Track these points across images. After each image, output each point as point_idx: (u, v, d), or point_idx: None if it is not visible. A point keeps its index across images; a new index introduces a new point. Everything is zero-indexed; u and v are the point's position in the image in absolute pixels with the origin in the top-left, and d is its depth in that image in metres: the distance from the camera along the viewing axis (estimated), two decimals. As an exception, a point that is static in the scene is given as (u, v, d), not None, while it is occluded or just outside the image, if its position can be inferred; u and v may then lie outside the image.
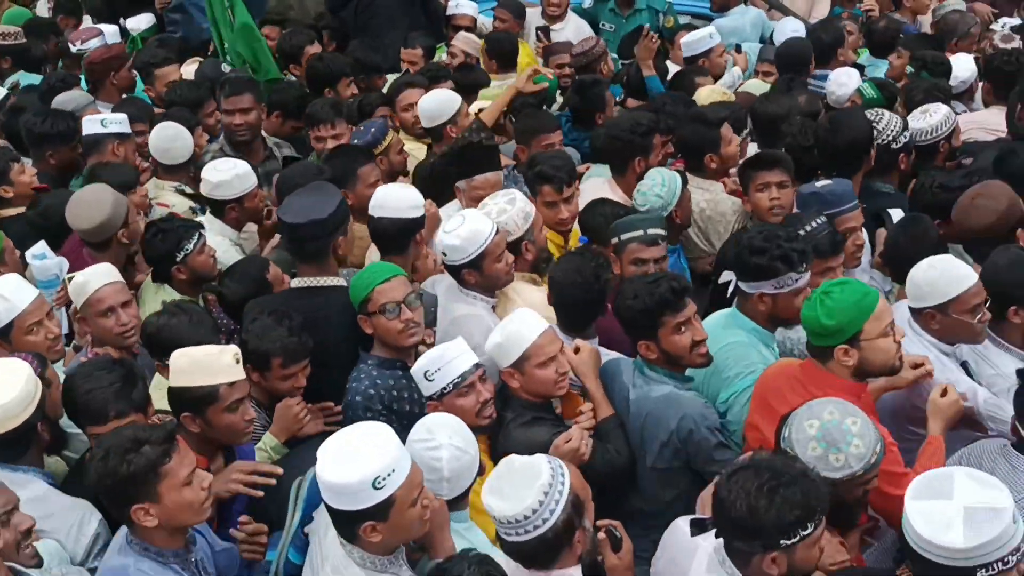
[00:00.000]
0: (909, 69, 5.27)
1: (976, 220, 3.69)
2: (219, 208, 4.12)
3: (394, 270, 3.27)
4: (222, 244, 3.97)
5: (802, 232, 3.39)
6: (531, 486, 2.35)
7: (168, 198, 4.38)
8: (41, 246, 3.73)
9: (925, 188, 3.91)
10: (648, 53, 5.47)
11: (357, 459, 2.31)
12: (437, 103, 4.61)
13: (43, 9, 7.77)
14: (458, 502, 2.62)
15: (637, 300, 3.02)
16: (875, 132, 4.17)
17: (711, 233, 4.26)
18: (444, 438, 2.57)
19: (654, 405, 3.03)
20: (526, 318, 3.05)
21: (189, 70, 5.61)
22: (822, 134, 4.27)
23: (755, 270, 3.17)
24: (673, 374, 3.07)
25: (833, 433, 2.47)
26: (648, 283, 3.05)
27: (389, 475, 2.29)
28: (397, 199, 3.62)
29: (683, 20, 6.31)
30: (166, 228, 3.73)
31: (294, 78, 5.63)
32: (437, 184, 4.16)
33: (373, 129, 4.44)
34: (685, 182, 4.04)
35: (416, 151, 4.79)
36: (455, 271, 3.44)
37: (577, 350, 3.15)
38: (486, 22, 6.38)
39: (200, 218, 4.10)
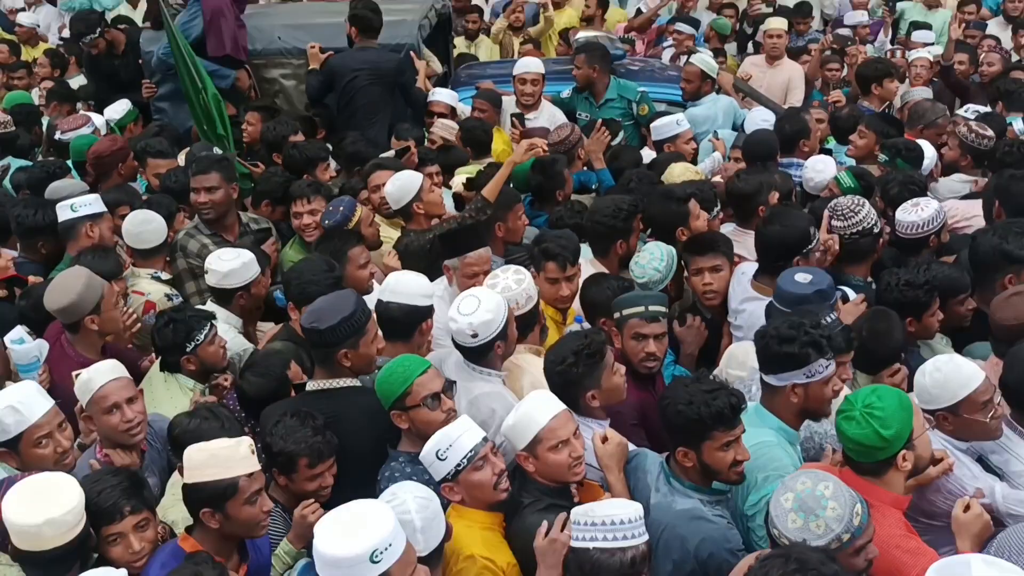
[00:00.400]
0: (882, 157, 5.34)
1: (1012, 316, 3.61)
2: (225, 297, 4.17)
3: (425, 362, 3.27)
4: (228, 333, 4.00)
5: None
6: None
7: (143, 285, 4.39)
8: (19, 331, 3.73)
9: (891, 286, 3.83)
10: (599, 146, 5.64)
11: (356, 533, 2.35)
12: (399, 185, 4.73)
13: (35, 95, 7.84)
14: (434, 564, 2.64)
15: (691, 407, 2.88)
16: (854, 221, 4.22)
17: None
18: (407, 494, 2.66)
19: (675, 519, 2.91)
20: (540, 400, 3.03)
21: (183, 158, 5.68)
22: (760, 225, 4.29)
23: (785, 360, 3.08)
24: (701, 488, 2.97)
25: (807, 501, 2.49)
26: (706, 392, 2.90)
27: (387, 549, 2.33)
28: (409, 286, 3.68)
29: (660, 107, 6.40)
30: (177, 318, 3.73)
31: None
32: (434, 262, 4.26)
33: (342, 207, 4.56)
34: None
35: (390, 233, 4.91)
36: (484, 348, 3.43)
37: (605, 439, 3.10)
38: (464, 110, 6.49)
39: (208, 306, 4.15)
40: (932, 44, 8.38)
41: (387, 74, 6.23)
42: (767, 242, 4.16)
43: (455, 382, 3.46)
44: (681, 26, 8.43)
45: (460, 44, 9.43)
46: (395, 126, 6.09)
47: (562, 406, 3.04)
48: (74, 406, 3.41)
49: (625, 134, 6.37)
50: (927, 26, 8.90)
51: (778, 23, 8.07)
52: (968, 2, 9.20)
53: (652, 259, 4.16)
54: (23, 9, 10.44)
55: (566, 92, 6.63)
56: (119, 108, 6.40)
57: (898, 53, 8.47)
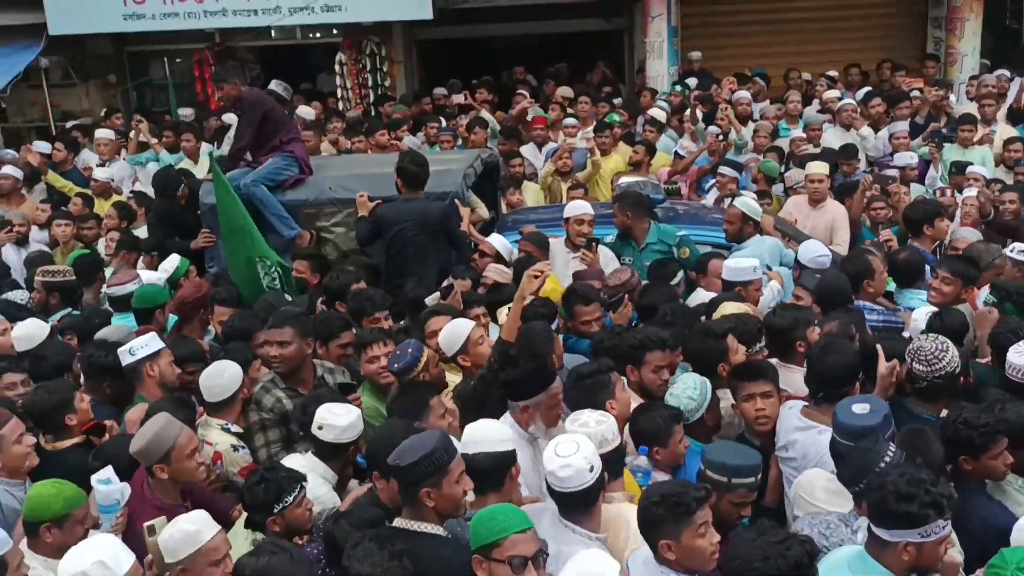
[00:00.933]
0: (989, 298, 5.22)
1: None
2: (337, 452, 4.09)
3: (528, 521, 3.13)
4: (321, 488, 3.96)
5: (883, 464, 3.33)
6: None
7: (212, 435, 4.46)
8: (107, 471, 3.77)
9: (949, 422, 3.75)
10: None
11: None
12: (448, 334, 4.79)
13: (102, 245, 8.24)
14: None
15: (768, 563, 2.80)
16: (939, 364, 4.13)
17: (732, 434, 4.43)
18: None
19: None
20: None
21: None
22: (813, 355, 4.28)
23: (903, 518, 2.98)
24: None
25: None
26: (777, 544, 2.84)
27: None
28: (488, 433, 3.62)
29: (703, 250, 6.44)
30: (269, 477, 3.71)
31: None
32: (480, 406, 4.25)
33: (410, 350, 4.58)
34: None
35: (451, 378, 4.92)
36: (591, 495, 3.36)
37: None
38: (512, 252, 6.60)
39: (303, 459, 4.12)
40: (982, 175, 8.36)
41: (433, 223, 6.42)
42: (821, 372, 4.15)
43: (547, 555, 3.24)
44: (724, 169, 8.54)
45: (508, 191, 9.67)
46: (451, 269, 6.22)
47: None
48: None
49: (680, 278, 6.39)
50: (968, 164, 8.90)
51: (819, 168, 8.11)
52: (1014, 140, 9.20)
53: (685, 388, 4.25)
54: (100, 165, 11.06)
55: (610, 237, 6.73)
56: (171, 263, 6.61)
57: (947, 192, 8.43)
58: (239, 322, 5.31)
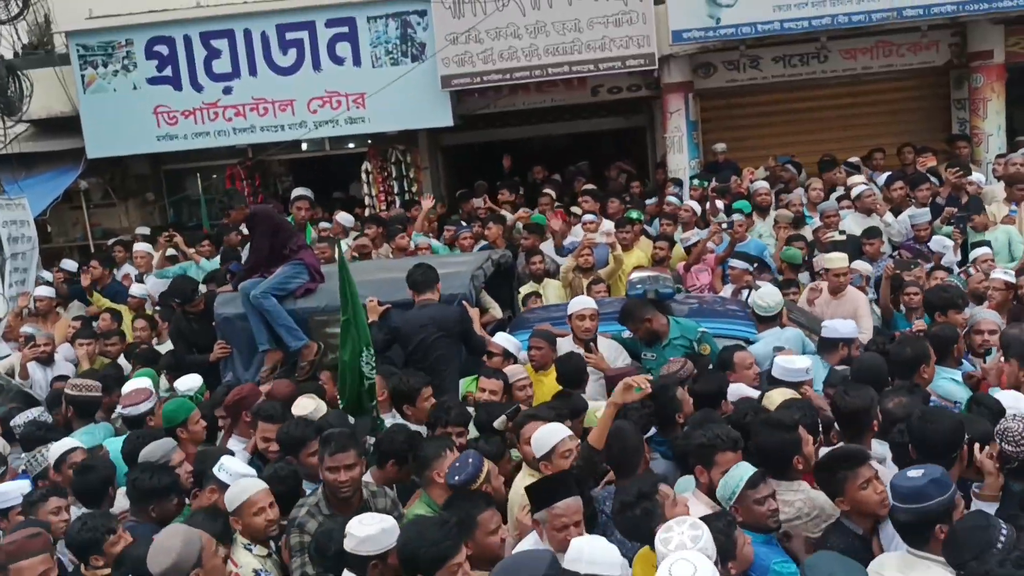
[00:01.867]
0: None
1: None
2: (359, 565, 3.92)
3: None
4: None
5: (1000, 543, 3.33)
6: None
7: (238, 555, 4.38)
8: None
9: None
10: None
11: None
12: (538, 437, 4.62)
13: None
14: None
15: None
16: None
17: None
18: None
19: None
20: None
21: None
22: (914, 426, 4.25)
23: None
24: None
25: None
26: None
27: None
28: (603, 554, 3.50)
29: (723, 344, 6.33)
30: None
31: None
32: None
33: (471, 460, 4.40)
34: None
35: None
36: None
37: None
38: (521, 349, 6.60)
39: None
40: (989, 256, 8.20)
41: (450, 326, 6.44)
42: (926, 441, 4.13)
43: None
44: (735, 262, 8.45)
45: (526, 289, 9.64)
46: (474, 370, 6.23)
47: None
48: None
49: None
50: (987, 243, 8.72)
51: (839, 261, 8.00)
52: (1037, 218, 9.03)
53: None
54: (139, 280, 11.29)
55: (628, 332, 6.66)
56: (190, 382, 6.56)
57: (971, 270, 8.23)
58: (294, 430, 5.20)
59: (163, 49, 12.26)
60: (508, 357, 6.29)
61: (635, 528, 3.86)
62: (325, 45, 12.11)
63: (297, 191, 8.07)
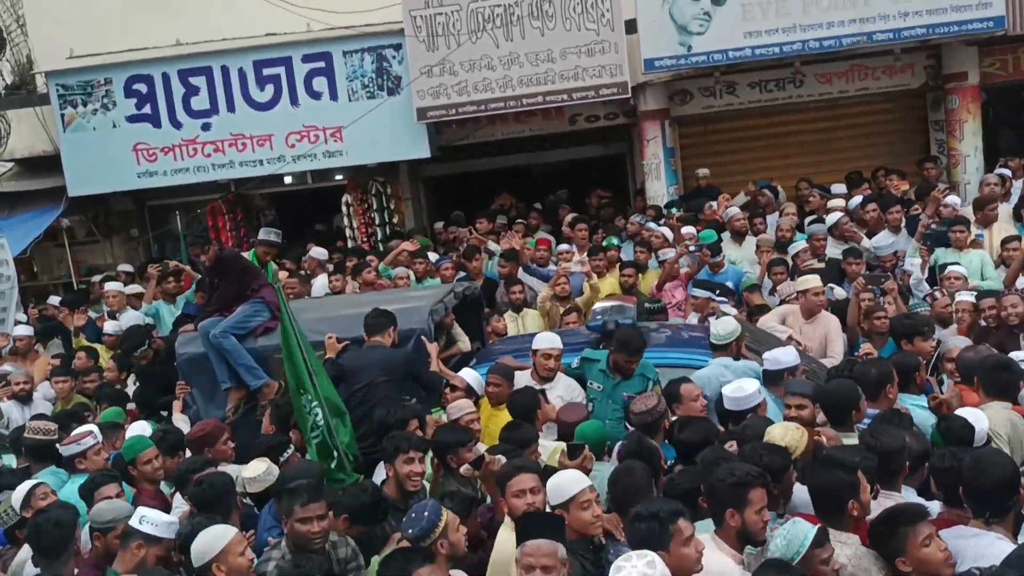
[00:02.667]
0: None
1: None
2: None
3: None
4: None
5: None
6: None
7: None
8: None
9: None
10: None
11: None
12: (555, 486, 4.33)
13: None
14: None
15: None
16: None
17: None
18: None
19: None
20: None
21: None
22: (967, 475, 4.00)
23: None
24: None
25: None
26: None
27: None
28: None
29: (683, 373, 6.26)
30: None
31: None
32: None
33: (427, 513, 4.11)
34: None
35: None
36: None
37: None
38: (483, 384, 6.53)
39: None
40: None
41: (396, 369, 6.42)
42: (983, 489, 3.93)
43: None
44: (695, 291, 8.46)
45: (506, 318, 9.65)
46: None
47: None
48: None
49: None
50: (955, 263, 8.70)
51: (815, 281, 8.00)
52: (1011, 239, 8.98)
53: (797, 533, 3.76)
54: (112, 317, 11.33)
55: (576, 362, 6.64)
56: (139, 430, 6.48)
57: (937, 295, 8.20)
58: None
59: (142, 87, 12.36)
60: (471, 393, 6.26)
61: (638, 544, 3.70)
62: (302, 80, 12.20)
63: (261, 234, 8.20)
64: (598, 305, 7.57)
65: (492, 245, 11.26)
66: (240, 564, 4.20)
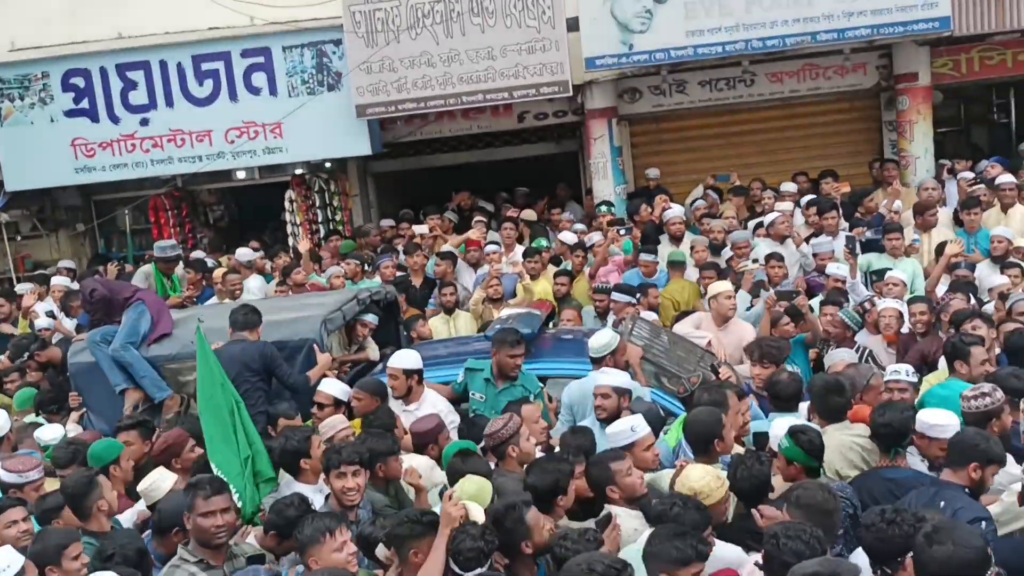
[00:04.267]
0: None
1: None
2: None
3: None
4: None
5: None
6: None
7: None
8: None
9: None
10: None
11: None
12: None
13: None
14: None
15: None
16: None
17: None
18: None
19: None
20: None
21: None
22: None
23: None
24: None
25: None
26: None
27: None
28: None
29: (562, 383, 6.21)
30: None
31: None
32: None
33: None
34: None
35: None
36: None
37: None
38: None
39: None
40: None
41: (253, 364, 6.38)
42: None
43: None
44: (617, 295, 8.29)
45: (437, 321, 9.47)
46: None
47: None
48: None
49: None
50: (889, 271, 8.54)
51: (724, 286, 7.89)
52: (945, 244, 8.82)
53: None
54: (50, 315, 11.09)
55: (460, 376, 6.47)
56: (52, 432, 6.45)
57: (875, 299, 8.03)
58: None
59: (79, 81, 12.15)
60: (339, 405, 6.09)
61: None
62: (241, 75, 12.00)
63: (156, 251, 8.36)
64: (504, 312, 7.42)
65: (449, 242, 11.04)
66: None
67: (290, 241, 12.73)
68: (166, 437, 5.83)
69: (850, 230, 9.79)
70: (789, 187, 11.58)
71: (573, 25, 11.29)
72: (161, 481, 5.19)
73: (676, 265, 9.36)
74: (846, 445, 5.06)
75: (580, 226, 10.98)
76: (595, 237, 10.28)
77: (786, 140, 13.22)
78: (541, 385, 6.24)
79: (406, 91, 11.52)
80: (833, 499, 4.07)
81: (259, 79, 11.99)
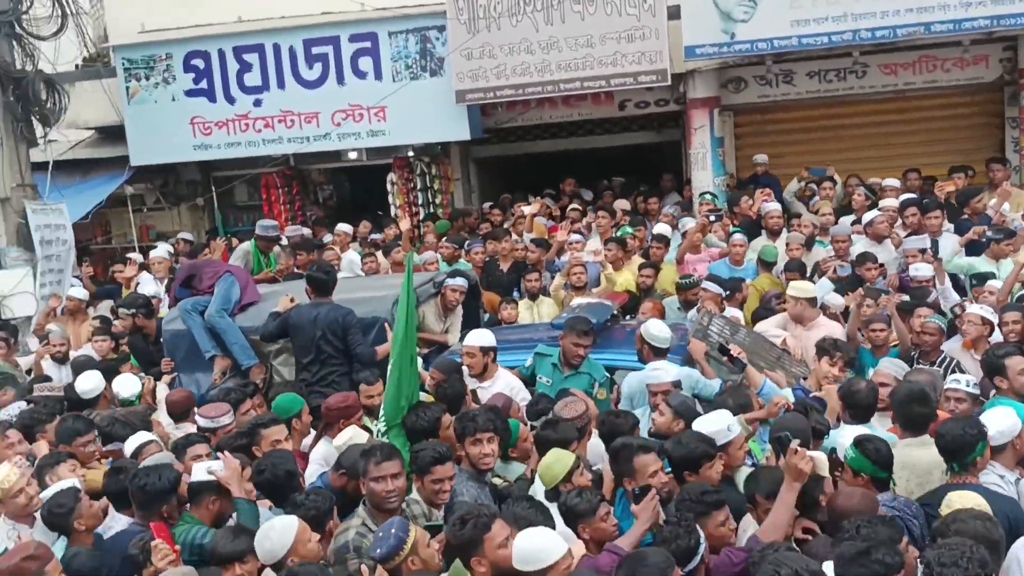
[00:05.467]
0: None
1: None
2: None
3: None
4: None
5: None
6: None
7: None
8: None
9: None
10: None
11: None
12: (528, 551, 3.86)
13: None
14: None
15: None
16: None
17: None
18: None
19: None
20: None
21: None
22: None
23: None
24: None
25: None
26: None
27: None
28: None
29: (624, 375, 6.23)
30: None
31: None
32: None
33: (393, 531, 3.92)
34: None
35: None
36: None
37: None
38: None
39: None
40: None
41: (335, 328, 6.70)
42: None
43: None
44: (707, 284, 8.15)
45: (521, 306, 9.59)
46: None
47: None
48: None
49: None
50: (991, 275, 8.14)
51: (802, 286, 7.67)
52: (1052, 252, 8.35)
53: None
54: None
55: (529, 360, 6.57)
56: (131, 387, 6.92)
57: (957, 310, 7.70)
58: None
59: (199, 63, 12.79)
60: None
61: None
62: (348, 59, 12.37)
63: (259, 229, 8.76)
64: (575, 301, 7.47)
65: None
66: (312, 551, 4.20)
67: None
68: (345, 397, 5.95)
69: (957, 231, 9.37)
70: (891, 183, 11.14)
71: (674, 13, 11.17)
72: (357, 436, 5.36)
73: (767, 265, 9.17)
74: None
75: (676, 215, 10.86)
76: (688, 223, 10.17)
77: (898, 135, 12.71)
78: (607, 374, 6.29)
79: (505, 77, 11.65)
80: (996, 528, 3.73)
81: (365, 63, 12.34)
